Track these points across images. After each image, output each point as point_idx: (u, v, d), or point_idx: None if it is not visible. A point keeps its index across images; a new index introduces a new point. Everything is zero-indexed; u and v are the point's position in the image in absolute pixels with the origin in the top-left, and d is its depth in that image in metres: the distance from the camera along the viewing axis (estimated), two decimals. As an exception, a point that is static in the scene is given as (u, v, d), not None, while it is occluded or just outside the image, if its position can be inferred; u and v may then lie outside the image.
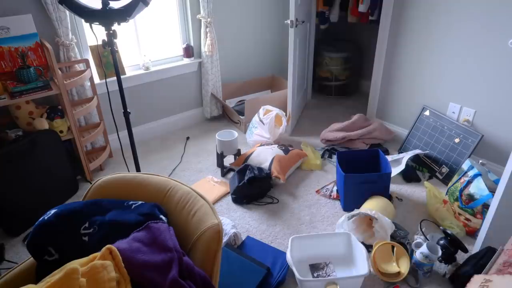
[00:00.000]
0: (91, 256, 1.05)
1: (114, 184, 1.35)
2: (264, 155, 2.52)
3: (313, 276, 1.77)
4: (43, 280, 1.01)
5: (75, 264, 1.01)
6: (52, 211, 1.20)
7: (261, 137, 2.82)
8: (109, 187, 1.34)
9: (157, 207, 1.23)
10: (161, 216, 1.20)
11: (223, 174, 2.62)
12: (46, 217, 1.18)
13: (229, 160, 2.72)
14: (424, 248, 1.70)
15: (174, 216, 1.24)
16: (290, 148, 2.64)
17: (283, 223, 2.15)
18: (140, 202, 1.25)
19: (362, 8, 3.25)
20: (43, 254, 1.15)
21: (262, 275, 1.70)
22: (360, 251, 1.75)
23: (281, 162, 2.46)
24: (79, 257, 1.06)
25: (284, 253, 1.85)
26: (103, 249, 1.03)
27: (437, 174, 2.49)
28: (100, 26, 1.72)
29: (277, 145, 2.64)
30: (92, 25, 1.71)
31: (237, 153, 2.64)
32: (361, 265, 1.71)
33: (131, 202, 1.25)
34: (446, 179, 2.41)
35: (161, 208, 1.24)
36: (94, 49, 2.61)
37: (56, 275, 0.98)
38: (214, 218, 1.15)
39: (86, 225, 1.19)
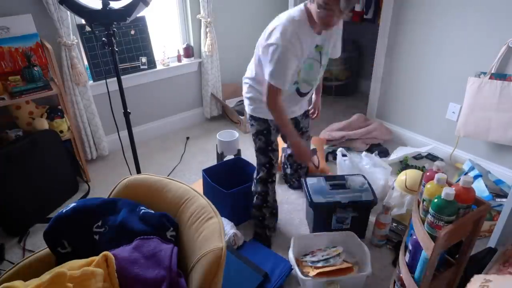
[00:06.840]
0: (89, 259, 1.06)
1: (138, 185, 1.36)
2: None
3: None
4: (31, 280, 1.02)
5: (66, 267, 1.02)
6: (71, 205, 1.23)
7: None
8: (133, 187, 1.36)
9: (165, 216, 1.22)
10: (170, 226, 1.20)
11: (223, 174, 2.61)
12: (64, 211, 1.21)
13: (229, 160, 2.71)
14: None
15: (183, 230, 1.23)
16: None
17: (284, 223, 2.15)
18: (150, 211, 1.24)
19: (357, 7, 3.26)
20: (56, 246, 1.19)
21: (258, 282, 1.65)
22: (362, 250, 1.75)
23: None
24: (90, 253, 1.09)
25: (284, 260, 1.81)
26: (100, 255, 1.04)
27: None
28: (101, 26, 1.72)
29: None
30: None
31: (237, 153, 2.64)
32: (363, 265, 1.71)
33: (142, 208, 1.25)
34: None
35: (170, 217, 1.22)
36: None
37: (43, 277, 0.98)
38: (219, 241, 1.10)
39: (99, 223, 1.21)
